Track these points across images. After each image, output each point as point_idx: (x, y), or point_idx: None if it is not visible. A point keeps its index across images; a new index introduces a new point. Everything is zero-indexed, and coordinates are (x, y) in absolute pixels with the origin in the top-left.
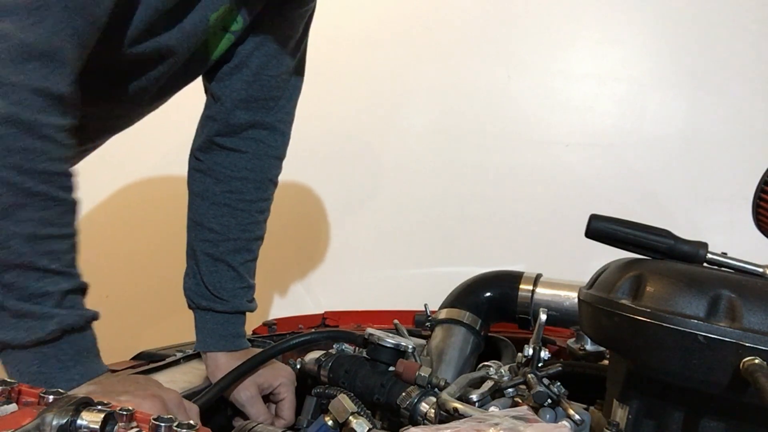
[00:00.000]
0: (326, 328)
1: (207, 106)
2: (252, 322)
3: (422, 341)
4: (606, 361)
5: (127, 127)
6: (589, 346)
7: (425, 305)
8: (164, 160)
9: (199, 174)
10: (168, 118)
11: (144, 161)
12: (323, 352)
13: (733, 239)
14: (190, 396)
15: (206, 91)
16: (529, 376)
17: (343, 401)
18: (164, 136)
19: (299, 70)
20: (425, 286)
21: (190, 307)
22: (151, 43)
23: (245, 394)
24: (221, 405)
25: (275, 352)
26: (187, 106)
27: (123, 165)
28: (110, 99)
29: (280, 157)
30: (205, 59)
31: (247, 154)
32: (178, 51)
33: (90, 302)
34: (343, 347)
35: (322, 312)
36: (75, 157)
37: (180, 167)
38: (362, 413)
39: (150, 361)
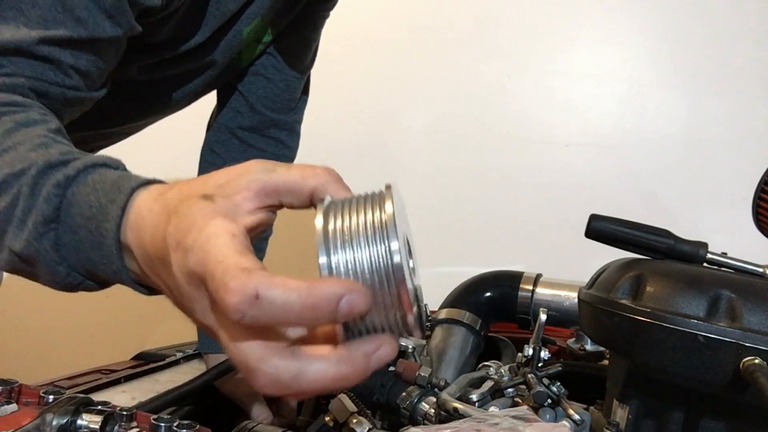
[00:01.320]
0: None
1: (229, 100)
2: None
3: (422, 341)
4: (606, 361)
5: (143, 128)
6: (589, 346)
7: (425, 305)
8: (172, 163)
9: (212, 168)
10: (175, 119)
11: (151, 163)
12: None
13: (733, 239)
14: (189, 395)
15: (225, 85)
16: (529, 376)
17: (343, 401)
18: (174, 138)
19: (309, 72)
20: (425, 286)
21: None
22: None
23: (246, 391)
24: (218, 401)
25: None
26: (194, 109)
27: (130, 167)
28: (144, 113)
29: (294, 158)
30: (237, 68)
31: (267, 153)
32: (215, 64)
33: (91, 302)
34: None
35: None
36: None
37: (186, 170)
38: (362, 413)
39: (150, 361)
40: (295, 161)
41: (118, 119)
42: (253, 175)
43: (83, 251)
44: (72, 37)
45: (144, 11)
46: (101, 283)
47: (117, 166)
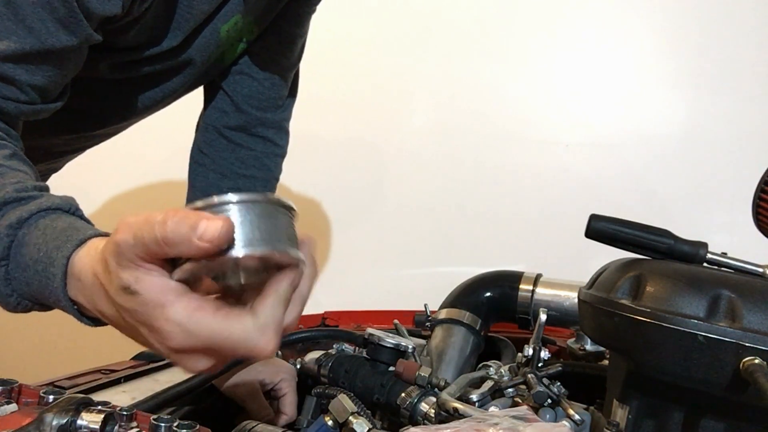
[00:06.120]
0: (326, 328)
1: (214, 99)
2: None
3: (422, 341)
4: (606, 361)
5: (127, 128)
6: (589, 346)
7: (425, 305)
8: (168, 162)
9: (202, 168)
10: (172, 119)
11: (147, 162)
12: (323, 352)
13: (733, 239)
14: (187, 393)
15: (209, 85)
16: (529, 376)
17: (343, 401)
18: (168, 137)
19: (298, 69)
20: (425, 286)
21: None
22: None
23: (246, 390)
24: (218, 401)
25: None
26: (191, 107)
27: (127, 166)
28: (125, 113)
29: (284, 155)
30: (220, 67)
31: (255, 152)
32: (192, 63)
33: None
34: (343, 347)
35: (322, 312)
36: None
37: (183, 168)
38: (362, 413)
39: (150, 361)
40: (295, 162)
41: (99, 120)
42: (140, 248)
43: (32, 287)
44: (24, 50)
45: (105, 19)
46: (50, 308)
47: (69, 208)
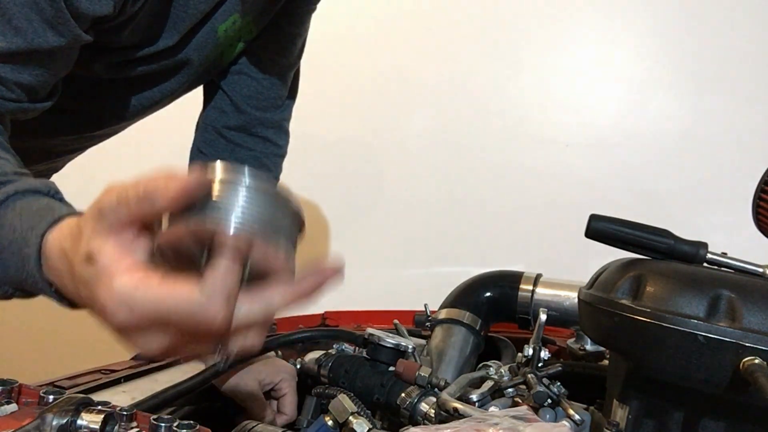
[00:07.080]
0: (326, 328)
1: (214, 99)
2: None
3: (422, 341)
4: (606, 361)
5: (126, 128)
6: (589, 346)
7: (425, 305)
8: (168, 162)
9: None
10: (172, 119)
11: (147, 162)
12: (323, 352)
13: (733, 239)
14: (187, 392)
15: (208, 85)
16: (529, 376)
17: (343, 401)
18: (168, 136)
19: (298, 69)
20: (425, 286)
21: None
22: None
23: (246, 389)
24: (218, 402)
25: (274, 345)
26: (190, 107)
27: (127, 166)
28: (123, 114)
29: (284, 156)
30: (219, 67)
31: (254, 152)
32: (190, 62)
33: None
34: (343, 347)
35: (322, 312)
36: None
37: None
38: (362, 413)
39: (150, 361)
40: (295, 162)
41: (98, 121)
42: (106, 218)
43: (9, 270)
44: (11, 49)
45: (97, 18)
46: (31, 295)
47: (48, 191)
